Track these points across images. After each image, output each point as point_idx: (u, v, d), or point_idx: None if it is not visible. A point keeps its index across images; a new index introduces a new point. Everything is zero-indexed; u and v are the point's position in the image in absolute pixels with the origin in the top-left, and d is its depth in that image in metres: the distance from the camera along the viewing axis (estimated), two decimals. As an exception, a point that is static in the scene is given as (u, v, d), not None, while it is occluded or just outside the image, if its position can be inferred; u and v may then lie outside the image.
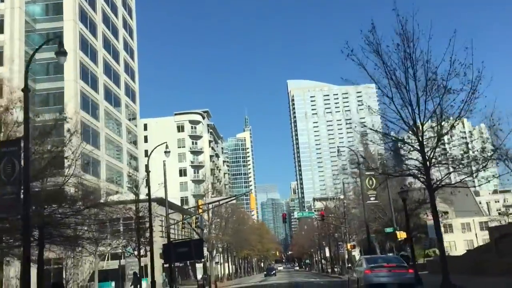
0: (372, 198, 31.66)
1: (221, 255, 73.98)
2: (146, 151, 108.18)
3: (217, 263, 79.87)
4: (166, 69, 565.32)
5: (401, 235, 33.64)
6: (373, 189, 31.25)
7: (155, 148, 36.93)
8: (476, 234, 79.81)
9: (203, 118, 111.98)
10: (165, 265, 56.48)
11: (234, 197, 51.13)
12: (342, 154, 64.49)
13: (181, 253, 31.05)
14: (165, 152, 36.93)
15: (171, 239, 48.19)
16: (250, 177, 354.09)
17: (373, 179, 31.54)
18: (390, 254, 35.41)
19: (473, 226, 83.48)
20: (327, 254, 65.95)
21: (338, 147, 74.99)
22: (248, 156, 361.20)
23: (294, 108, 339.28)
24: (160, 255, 52.80)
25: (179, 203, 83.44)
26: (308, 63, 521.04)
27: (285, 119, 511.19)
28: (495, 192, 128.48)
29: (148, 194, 30.94)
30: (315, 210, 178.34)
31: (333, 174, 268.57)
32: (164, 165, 38.37)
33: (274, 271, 77.01)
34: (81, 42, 62.17)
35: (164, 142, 38.16)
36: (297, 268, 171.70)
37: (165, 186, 36.43)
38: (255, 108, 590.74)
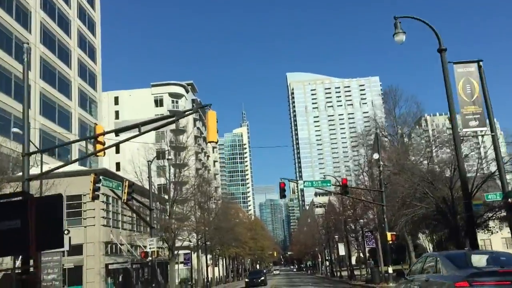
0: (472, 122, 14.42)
1: (202, 254, 55.96)
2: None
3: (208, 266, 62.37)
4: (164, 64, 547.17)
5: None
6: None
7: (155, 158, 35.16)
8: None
9: (187, 91, 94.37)
10: (109, 266, 39.09)
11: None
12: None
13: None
14: (168, 159, 37.10)
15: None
16: (247, 174, 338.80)
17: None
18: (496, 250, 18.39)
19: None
20: (341, 252, 48.39)
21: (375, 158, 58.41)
22: (246, 153, 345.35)
23: (294, 102, 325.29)
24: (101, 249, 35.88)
25: (156, 192, 65.83)
26: (308, 56, 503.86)
27: (284, 115, 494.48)
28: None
29: None
30: (318, 206, 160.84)
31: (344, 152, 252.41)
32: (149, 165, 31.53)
33: (261, 277, 47.37)
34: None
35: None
36: (295, 270, 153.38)
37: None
38: (252, 103, 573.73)
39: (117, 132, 17.30)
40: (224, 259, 71.54)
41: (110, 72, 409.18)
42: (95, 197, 21.16)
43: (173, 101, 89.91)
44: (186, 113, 17.78)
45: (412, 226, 35.78)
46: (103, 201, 40.01)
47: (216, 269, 64.23)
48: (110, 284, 40.52)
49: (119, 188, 24.05)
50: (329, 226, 56.15)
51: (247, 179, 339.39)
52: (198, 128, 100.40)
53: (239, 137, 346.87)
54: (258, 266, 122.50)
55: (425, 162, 36.92)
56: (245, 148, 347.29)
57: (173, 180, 53.47)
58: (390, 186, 30.72)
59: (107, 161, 70.08)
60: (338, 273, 55.63)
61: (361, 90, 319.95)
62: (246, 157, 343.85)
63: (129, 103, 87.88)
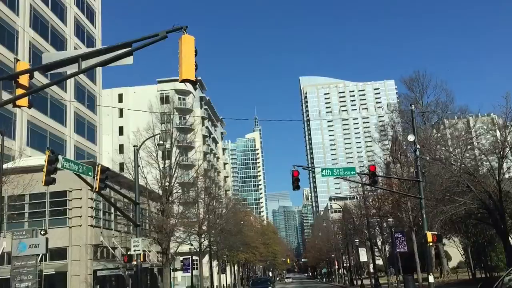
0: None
1: (211, 260, 50.52)
2: (120, 128, 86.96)
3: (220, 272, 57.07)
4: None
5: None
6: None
7: (146, 140, 29.96)
8: None
9: (195, 89, 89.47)
10: (98, 272, 34.07)
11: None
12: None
13: None
14: (158, 145, 30.31)
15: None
16: (260, 180, 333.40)
17: None
18: None
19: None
20: (362, 258, 42.45)
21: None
22: (258, 158, 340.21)
23: (307, 106, 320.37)
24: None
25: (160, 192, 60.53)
26: (321, 59, 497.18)
27: (297, 119, 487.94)
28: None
29: None
30: (333, 212, 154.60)
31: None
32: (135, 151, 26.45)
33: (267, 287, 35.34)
34: None
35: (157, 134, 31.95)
36: (306, 279, 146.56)
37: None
38: (265, 107, 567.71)
39: (44, 69, 12.30)
40: (232, 265, 66.11)
41: (114, 68, 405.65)
42: (49, 181, 16.08)
43: (180, 98, 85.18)
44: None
45: (450, 226, 30.20)
46: (91, 198, 35.07)
47: (223, 276, 58.95)
48: (98, 294, 35.43)
49: (89, 173, 18.99)
50: (348, 229, 50.53)
51: (260, 184, 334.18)
52: (206, 127, 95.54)
53: (251, 142, 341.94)
54: (270, 274, 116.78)
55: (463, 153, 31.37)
56: (258, 153, 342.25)
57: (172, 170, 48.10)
58: (425, 178, 25.26)
59: (107, 158, 65.16)
60: (359, 282, 49.83)
61: (376, 94, 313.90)
62: (258, 162, 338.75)
63: (133, 100, 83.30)
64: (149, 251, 39.55)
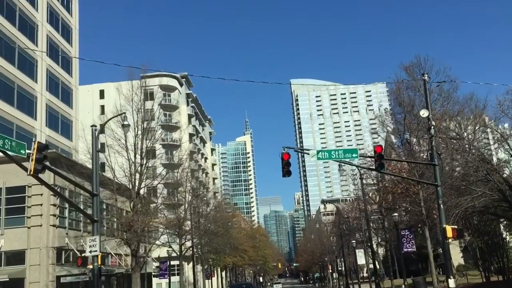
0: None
1: (193, 264, 46.07)
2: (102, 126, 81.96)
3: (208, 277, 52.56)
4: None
5: None
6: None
7: (108, 121, 25.42)
8: None
9: (181, 84, 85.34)
10: (62, 279, 29.72)
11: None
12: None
13: None
14: (123, 125, 24.88)
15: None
16: (251, 184, 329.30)
17: None
18: None
19: None
20: (360, 260, 38.10)
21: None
22: (249, 162, 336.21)
23: (298, 109, 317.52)
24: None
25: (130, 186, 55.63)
26: (313, 62, 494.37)
27: (288, 122, 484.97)
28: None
29: None
30: (325, 214, 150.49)
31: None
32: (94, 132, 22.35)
33: None
34: None
35: (122, 113, 26.44)
36: (297, 284, 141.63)
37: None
38: (256, 111, 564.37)
39: None
40: (218, 270, 61.67)
41: (96, 64, 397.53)
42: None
43: (164, 94, 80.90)
44: None
45: (464, 221, 26.29)
46: (54, 195, 30.71)
47: (208, 282, 54.57)
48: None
49: (21, 151, 14.72)
50: (344, 229, 46.53)
51: (251, 189, 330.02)
52: (194, 126, 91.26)
53: (242, 146, 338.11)
54: (261, 279, 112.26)
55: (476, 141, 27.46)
56: (249, 157, 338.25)
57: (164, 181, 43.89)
58: (441, 161, 21.36)
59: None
60: (356, 286, 45.73)
61: (367, 96, 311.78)
62: (249, 166, 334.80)
63: (116, 97, 78.81)
64: (119, 254, 35.20)
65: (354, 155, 18.92)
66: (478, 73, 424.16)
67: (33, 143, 15.44)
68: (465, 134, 25.37)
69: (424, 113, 19.05)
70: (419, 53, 37.40)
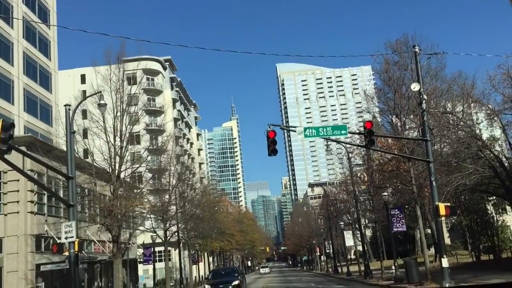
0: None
1: (179, 250, 45.11)
2: (84, 112, 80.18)
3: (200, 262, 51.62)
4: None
5: None
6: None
7: (83, 100, 25.49)
8: None
9: (164, 68, 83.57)
10: (42, 267, 28.66)
11: None
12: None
13: None
14: (99, 105, 23.53)
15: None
16: (238, 169, 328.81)
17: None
18: None
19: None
20: (348, 242, 37.51)
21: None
22: (236, 147, 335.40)
23: (284, 94, 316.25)
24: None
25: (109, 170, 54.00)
26: (298, 46, 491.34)
27: (274, 107, 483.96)
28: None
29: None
30: (313, 198, 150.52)
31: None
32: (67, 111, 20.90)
33: (233, 282, 23.70)
34: None
35: (98, 92, 24.92)
36: (285, 267, 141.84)
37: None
38: (242, 95, 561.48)
39: None
40: (205, 255, 60.74)
41: (78, 48, 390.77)
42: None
43: (148, 79, 79.09)
44: None
45: (455, 200, 25.71)
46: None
47: (195, 267, 53.79)
48: (43, 292, 29.96)
49: (-16, 130, 13.53)
50: (332, 211, 45.96)
51: (238, 174, 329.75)
52: (178, 110, 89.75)
53: (228, 131, 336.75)
54: (249, 263, 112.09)
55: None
56: (236, 142, 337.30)
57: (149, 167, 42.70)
58: (433, 137, 20.60)
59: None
60: (344, 269, 45.30)
61: (353, 80, 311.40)
62: (236, 151, 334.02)
63: (97, 81, 76.97)
64: (103, 241, 34.24)
65: (343, 131, 18.04)
66: (466, 50, 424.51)
67: (-2, 121, 14.24)
68: (457, 109, 24.72)
69: (415, 86, 18.21)
70: (406, 31, 36.34)
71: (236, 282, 24.47)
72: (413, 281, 21.37)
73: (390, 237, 27.84)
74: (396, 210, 23.72)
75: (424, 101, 18.13)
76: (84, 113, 60.81)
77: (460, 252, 42.80)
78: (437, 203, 17.22)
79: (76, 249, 18.03)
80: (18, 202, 29.37)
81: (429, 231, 42.99)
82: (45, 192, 31.77)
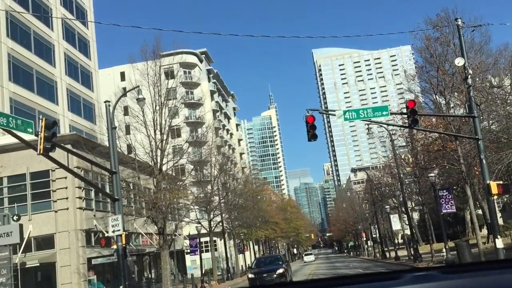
0: None
1: (224, 239, 45.51)
2: (125, 108, 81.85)
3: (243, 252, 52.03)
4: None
5: None
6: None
7: (122, 95, 26.38)
8: None
9: (200, 61, 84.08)
10: (93, 260, 29.51)
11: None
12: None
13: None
14: (138, 99, 23.90)
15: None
16: (279, 157, 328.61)
17: None
18: None
19: None
20: (395, 226, 36.72)
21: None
22: (276, 136, 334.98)
23: (322, 79, 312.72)
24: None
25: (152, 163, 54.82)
26: (334, 30, 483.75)
27: (313, 93, 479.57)
28: None
29: None
30: (356, 183, 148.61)
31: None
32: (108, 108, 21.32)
33: (277, 270, 22.95)
34: None
35: (137, 86, 25.74)
36: (332, 254, 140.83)
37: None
38: (279, 84, 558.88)
39: None
40: (251, 244, 61.12)
41: (118, 48, 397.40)
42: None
43: (185, 72, 79.61)
44: None
45: (506, 178, 24.64)
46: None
47: (241, 256, 54.27)
48: (96, 284, 30.87)
49: (28, 129, 13.93)
50: (376, 195, 45.14)
51: (279, 162, 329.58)
52: (216, 102, 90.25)
53: (268, 120, 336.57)
54: (295, 251, 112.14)
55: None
56: (275, 131, 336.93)
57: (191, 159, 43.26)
58: (481, 113, 19.73)
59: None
60: (392, 253, 44.49)
61: (393, 61, 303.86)
62: (276, 140, 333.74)
63: (137, 78, 78.29)
64: (150, 234, 34.89)
65: (384, 112, 17.48)
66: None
67: (41, 120, 14.58)
68: (505, 83, 23.59)
69: (459, 61, 17.41)
70: (447, 6, 34.81)
71: (281, 270, 23.77)
72: (466, 263, 20.65)
73: (439, 219, 27.10)
74: (445, 191, 22.90)
75: (469, 76, 17.32)
76: (126, 110, 61.36)
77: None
78: (488, 181, 16.48)
79: (123, 242, 18.37)
80: (67, 198, 30.25)
81: (479, 211, 41.56)
82: (92, 188, 32.64)
